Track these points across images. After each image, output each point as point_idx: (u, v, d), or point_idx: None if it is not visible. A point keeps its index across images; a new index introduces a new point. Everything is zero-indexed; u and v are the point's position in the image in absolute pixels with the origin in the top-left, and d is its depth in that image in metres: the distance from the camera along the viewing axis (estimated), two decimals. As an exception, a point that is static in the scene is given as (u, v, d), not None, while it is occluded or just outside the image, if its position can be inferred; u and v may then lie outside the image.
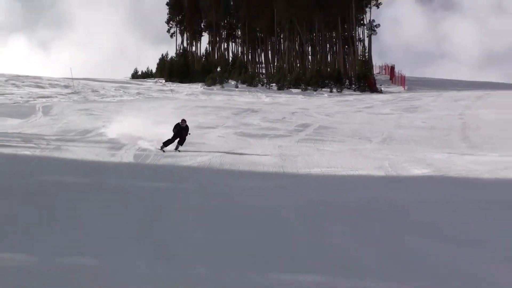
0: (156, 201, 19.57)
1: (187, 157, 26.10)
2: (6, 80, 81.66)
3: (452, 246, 16.39)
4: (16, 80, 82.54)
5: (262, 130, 48.39)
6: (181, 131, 24.25)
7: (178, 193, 20.59)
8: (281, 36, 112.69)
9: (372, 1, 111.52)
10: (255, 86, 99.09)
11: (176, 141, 24.45)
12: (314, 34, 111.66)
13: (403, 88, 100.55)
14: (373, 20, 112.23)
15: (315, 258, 15.01)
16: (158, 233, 16.58)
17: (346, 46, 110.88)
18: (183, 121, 24.77)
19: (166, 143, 24.07)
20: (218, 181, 21.89)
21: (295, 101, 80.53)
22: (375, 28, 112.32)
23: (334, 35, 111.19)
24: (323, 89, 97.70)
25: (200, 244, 15.63)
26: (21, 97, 65.62)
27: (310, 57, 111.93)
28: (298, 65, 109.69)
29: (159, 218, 17.95)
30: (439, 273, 14.12)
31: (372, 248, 15.97)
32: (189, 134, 26.81)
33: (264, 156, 29.27)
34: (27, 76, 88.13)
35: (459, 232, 17.86)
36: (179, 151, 24.19)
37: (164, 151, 23.75)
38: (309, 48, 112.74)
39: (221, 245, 15.54)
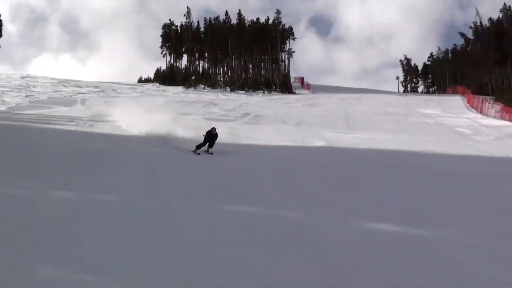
0: (153, 159, 19.73)
1: (170, 129, 26.52)
2: (58, 82, 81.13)
3: (333, 186, 16.93)
4: (64, 82, 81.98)
5: (220, 116, 48.37)
6: (211, 138, 21.10)
7: (167, 154, 20.75)
8: (233, 57, 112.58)
9: (290, 37, 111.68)
10: (216, 88, 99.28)
11: (207, 145, 21.29)
12: (254, 57, 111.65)
13: (309, 91, 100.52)
14: (291, 48, 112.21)
15: (248, 194, 15.47)
16: (154, 178, 16.83)
17: (274, 64, 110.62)
18: (214, 129, 21.61)
19: (199, 146, 21.14)
20: (192, 147, 21.97)
21: (240, 99, 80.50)
22: (292, 53, 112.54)
23: (266, 57, 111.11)
24: (259, 91, 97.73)
25: (179, 184, 15.92)
26: (67, 93, 65.12)
27: (250, 71, 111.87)
28: (243, 76, 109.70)
29: (155, 169, 18.15)
30: (321, 200, 14.59)
31: (284, 188, 16.54)
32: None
33: (221, 133, 29.37)
34: (71, 80, 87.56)
35: (339, 178, 18.75)
36: (211, 153, 21.33)
37: (199, 153, 21.06)
38: (250, 65, 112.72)
39: (190, 185, 15.89)
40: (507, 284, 9.90)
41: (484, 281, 9.92)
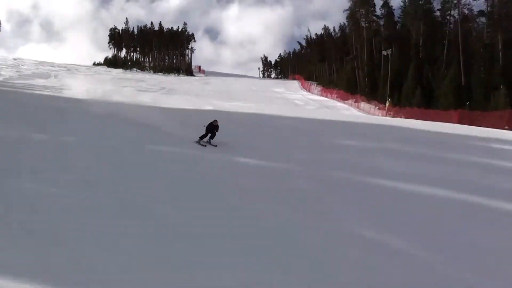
0: (102, 115, 18.83)
1: (113, 96, 25.64)
2: (38, 63, 78.64)
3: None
4: (42, 64, 78.75)
5: (146, 89, 47.92)
6: (212, 129, 15.43)
7: (112, 111, 19.69)
8: (155, 51, 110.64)
9: (192, 40, 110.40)
10: (144, 71, 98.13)
11: (208, 136, 15.26)
12: (169, 51, 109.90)
13: (203, 75, 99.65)
14: (193, 47, 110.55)
15: (165, 137, 15.21)
16: (103, 127, 16.10)
17: (181, 57, 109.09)
18: (215, 121, 15.80)
19: (202, 137, 15.28)
20: (127, 108, 21.23)
21: (160, 78, 79.52)
22: (193, 50, 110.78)
23: (177, 52, 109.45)
24: (171, 74, 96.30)
25: (121, 132, 15.37)
26: (44, 70, 63.68)
27: (167, 60, 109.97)
28: (162, 63, 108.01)
29: (104, 122, 17.30)
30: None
31: (186, 134, 16.10)
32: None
33: (147, 99, 28.67)
34: (47, 62, 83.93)
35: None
36: (215, 145, 14.94)
37: (205, 145, 14.97)
38: (166, 56, 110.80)
39: (129, 132, 15.36)
40: (326, 195, 10.30)
41: (305, 192, 10.33)
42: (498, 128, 26.20)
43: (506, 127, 27.22)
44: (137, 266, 6.03)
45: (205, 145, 14.63)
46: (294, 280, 6.28)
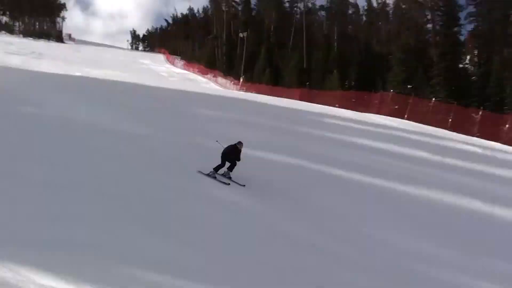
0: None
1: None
2: None
3: (85, 95, 15.52)
4: None
5: (15, 52, 43.57)
6: (232, 156, 9.59)
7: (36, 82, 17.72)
8: (26, 17, 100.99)
9: (63, 9, 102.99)
10: (13, 35, 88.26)
11: (226, 167, 9.62)
12: (40, 18, 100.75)
13: (74, 43, 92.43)
14: (64, 15, 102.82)
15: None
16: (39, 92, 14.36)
17: (52, 24, 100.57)
18: (240, 143, 9.65)
19: (217, 169, 9.46)
20: (55, 76, 19.13)
21: (30, 43, 72.52)
22: (64, 19, 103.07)
23: (48, 19, 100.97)
24: (42, 39, 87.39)
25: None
26: None
27: (38, 27, 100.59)
28: (33, 28, 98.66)
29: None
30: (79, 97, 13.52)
31: (63, 96, 14.84)
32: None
33: (16, 62, 26.08)
34: None
35: (88, 91, 16.88)
36: (243, 185, 9.36)
37: (228, 183, 9.39)
38: (37, 23, 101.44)
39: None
40: (189, 160, 10.19)
41: (165, 156, 10.17)
42: (331, 106, 27.86)
43: (337, 105, 29.06)
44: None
45: (229, 183, 9.41)
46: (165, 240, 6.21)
